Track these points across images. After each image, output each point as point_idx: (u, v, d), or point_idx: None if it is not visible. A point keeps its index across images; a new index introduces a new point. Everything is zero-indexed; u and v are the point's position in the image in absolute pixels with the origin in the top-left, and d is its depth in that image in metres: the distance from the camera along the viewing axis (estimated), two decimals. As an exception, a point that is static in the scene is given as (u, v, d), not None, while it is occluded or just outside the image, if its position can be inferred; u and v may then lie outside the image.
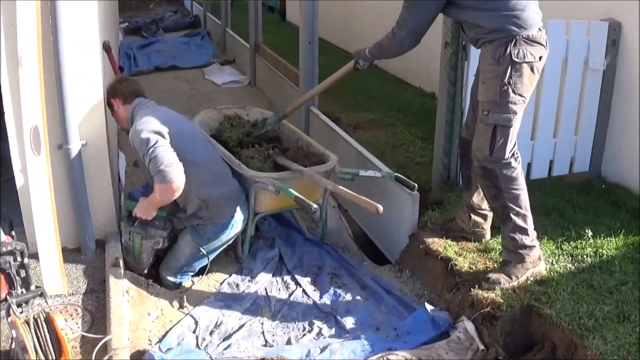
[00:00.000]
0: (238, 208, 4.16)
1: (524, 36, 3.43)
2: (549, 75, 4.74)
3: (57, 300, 3.71)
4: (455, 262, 3.87)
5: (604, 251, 3.96)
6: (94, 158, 4.07)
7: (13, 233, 3.65)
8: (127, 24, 14.51)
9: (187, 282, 4.24)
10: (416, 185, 4.16)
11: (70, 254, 4.11)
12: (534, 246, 3.71)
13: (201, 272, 4.30)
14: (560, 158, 5.08)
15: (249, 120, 5.04)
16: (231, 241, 4.25)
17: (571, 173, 5.17)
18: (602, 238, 4.11)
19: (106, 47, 4.55)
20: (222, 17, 11.50)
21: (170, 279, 4.21)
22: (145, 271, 4.17)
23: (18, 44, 3.52)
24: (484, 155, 3.59)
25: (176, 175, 3.70)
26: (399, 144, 6.11)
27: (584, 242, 4.07)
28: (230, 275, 4.26)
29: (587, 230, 4.14)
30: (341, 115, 6.86)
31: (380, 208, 3.63)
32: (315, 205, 3.72)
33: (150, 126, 3.83)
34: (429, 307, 3.67)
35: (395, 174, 4.18)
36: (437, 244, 4.08)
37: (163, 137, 3.80)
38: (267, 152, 4.48)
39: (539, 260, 3.74)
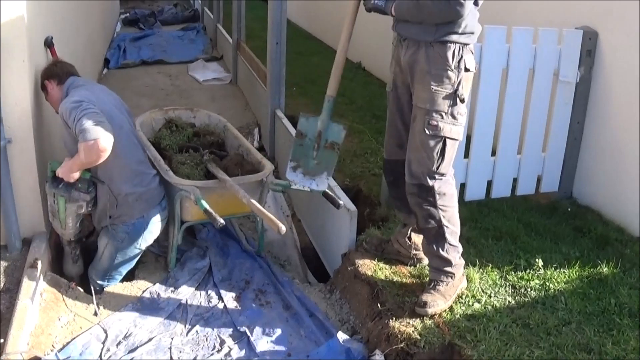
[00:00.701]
0: (150, 210, 3.97)
1: (473, 43, 3.25)
2: (514, 86, 4.45)
3: (-34, 296, 3.55)
4: (382, 288, 3.57)
5: (551, 284, 3.64)
6: (20, 156, 3.87)
7: None
8: (127, 14, 14.36)
9: (113, 286, 4.04)
10: (342, 203, 3.89)
11: (-5, 251, 3.94)
12: (462, 262, 3.52)
13: (129, 277, 4.12)
14: (526, 176, 4.76)
15: (194, 124, 4.81)
16: (149, 244, 4.08)
17: (538, 193, 4.85)
18: (554, 269, 3.79)
19: (48, 43, 4.34)
20: (214, 11, 11.27)
21: (98, 281, 4.04)
22: (72, 238, 4.01)
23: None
24: (427, 171, 3.31)
25: (102, 133, 3.50)
26: (362, 152, 5.84)
27: (531, 273, 3.75)
28: (154, 284, 4.02)
29: (537, 260, 3.82)
30: (310, 119, 6.61)
31: (283, 229, 3.42)
32: (221, 221, 3.48)
33: (82, 96, 3.71)
34: (342, 336, 3.40)
35: (324, 189, 3.93)
36: (367, 266, 3.78)
37: (95, 106, 3.67)
38: (200, 158, 4.24)
39: (463, 276, 3.56)
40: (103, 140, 3.50)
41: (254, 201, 3.67)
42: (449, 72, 3.19)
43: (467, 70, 3.23)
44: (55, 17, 4.78)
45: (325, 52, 10.62)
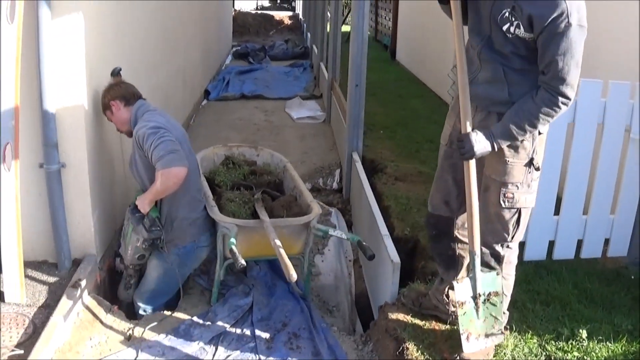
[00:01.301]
0: (201, 236, 4.11)
1: None
2: (580, 143, 4.26)
3: (12, 307, 3.73)
4: (407, 347, 3.48)
5: (590, 359, 3.42)
6: (74, 180, 4.00)
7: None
8: (238, 48, 14.75)
9: (153, 314, 4.14)
10: (374, 254, 3.83)
11: (48, 268, 4.12)
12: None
13: (172, 307, 4.20)
14: (592, 239, 4.54)
15: (255, 162, 4.87)
16: (196, 268, 4.27)
17: (605, 257, 4.61)
18: (599, 341, 3.56)
19: (115, 74, 4.49)
20: (319, 49, 11.42)
21: (141, 304, 4.16)
22: (129, 264, 4.15)
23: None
24: (501, 241, 3.24)
25: (180, 162, 3.66)
26: (433, 203, 5.76)
27: (573, 344, 3.54)
28: (192, 317, 4.07)
29: (581, 330, 3.60)
30: (390, 165, 6.57)
31: (293, 276, 3.42)
32: (242, 262, 3.53)
33: (160, 123, 3.84)
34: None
35: (358, 239, 3.88)
36: (398, 321, 3.70)
37: (171, 134, 3.81)
38: (249, 197, 4.29)
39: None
40: (180, 169, 3.65)
41: (277, 242, 3.68)
42: (524, 140, 3.08)
43: (539, 133, 3.11)
44: (125, 48, 4.91)
45: (426, 95, 10.58)
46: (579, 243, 4.55)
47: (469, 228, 3.19)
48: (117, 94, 4.06)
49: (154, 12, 5.94)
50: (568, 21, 2.71)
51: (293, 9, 29.33)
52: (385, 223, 4.48)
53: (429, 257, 4.55)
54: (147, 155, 3.76)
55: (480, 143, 3.02)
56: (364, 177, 5.44)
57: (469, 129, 3.05)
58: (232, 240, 3.73)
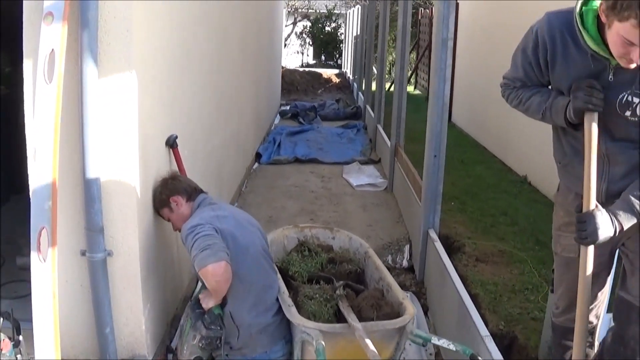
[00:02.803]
0: (274, 345, 3.52)
1: None
2: None
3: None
4: None
5: None
6: (122, 270, 3.41)
7: (20, 338, 3.06)
8: (287, 107, 14.28)
9: None
10: None
11: (91, 367, 3.52)
12: None
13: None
14: None
15: (331, 247, 4.23)
16: None
17: None
18: None
19: (171, 143, 3.92)
20: (375, 110, 10.83)
21: None
22: None
23: (33, 134, 2.98)
24: None
25: (212, 256, 3.16)
26: (521, 288, 5.04)
27: None
28: None
29: None
30: (467, 242, 5.90)
31: None
32: None
33: (202, 218, 3.40)
34: None
35: (471, 352, 3.20)
36: None
37: (211, 226, 3.32)
38: (331, 293, 3.62)
39: None
40: (214, 265, 3.15)
41: (374, 351, 3.03)
42: None
43: None
44: (183, 113, 4.39)
45: (489, 161, 9.96)
46: None
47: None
48: (178, 188, 3.63)
49: (209, 74, 5.40)
50: None
51: (339, 66, 29.06)
52: (475, 316, 3.83)
53: (530, 357, 3.90)
54: None
55: (606, 225, 2.53)
56: (447, 260, 4.76)
57: (592, 205, 2.56)
58: (321, 351, 3.07)
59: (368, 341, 3.10)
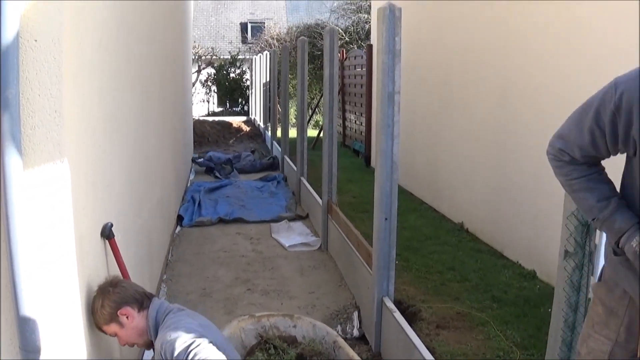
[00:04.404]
0: None
1: None
2: None
3: None
4: None
5: None
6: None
7: None
8: (200, 159, 13.74)
9: None
10: None
11: None
12: None
13: None
14: None
15: (294, 338, 3.75)
16: None
17: None
18: None
19: (107, 234, 3.38)
20: (297, 162, 10.41)
21: None
22: None
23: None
24: None
25: None
26: (492, 355, 4.69)
27: None
28: None
29: None
30: (422, 307, 5.52)
31: None
32: None
33: (189, 329, 2.86)
34: None
35: None
36: None
37: (207, 340, 2.79)
38: (309, 402, 3.15)
39: None
40: None
41: None
42: None
43: None
44: (114, 193, 3.86)
45: (421, 209, 9.71)
46: None
47: None
48: (125, 297, 3.03)
49: (135, 142, 4.85)
50: None
51: (247, 112, 28.64)
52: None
53: None
54: None
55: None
56: (412, 334, 4.36)
57: None
58: None
59: None
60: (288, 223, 8.85)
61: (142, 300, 3.08)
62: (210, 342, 2.79)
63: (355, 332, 5.56)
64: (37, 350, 2.64)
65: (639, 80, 2.11)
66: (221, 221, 9.07)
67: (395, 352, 4.65)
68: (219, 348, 2.79)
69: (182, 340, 2.77)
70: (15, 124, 2.49)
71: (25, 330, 2.59)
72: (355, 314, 5.75)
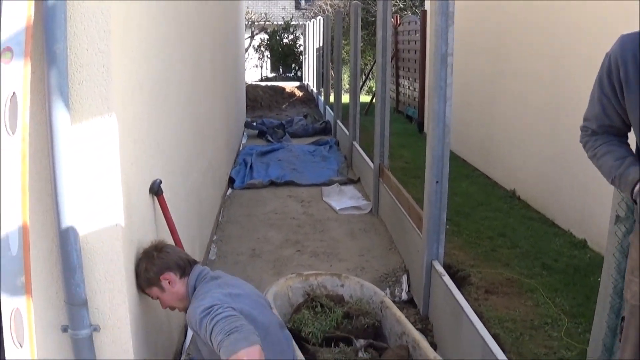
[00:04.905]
0: None
1: None
2: None
3: None
4: None
5: None
6: (112, 346, 2.88)
7: None
8: (253, 123, 13.76)
9: None
10: None
11: None
12: None
13: None
14: None
15: (342, 296, 3.74)
16: None
17: None
18: None
19: (155, 190, 3.40)
20: (349, 126, 10.36)
21: None
22: None
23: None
24: None
25: (244, 339, 2.58)
26: (540, 322, 4.62)
27: None
28: None
29: None
30: (472, 271, 5.46)
31: None
32: None
33: (214, 298, 2.84)
34: None
35: None
36: None
37: (229, 306, 2.77)
38: (353, 357, 3.13)
39: None
40: (249, 350, 2.57)
41: None
42: None
43: None
44: (164, 152, 3.89)
45: (473, 175, 9.58)
46: None
47: None
48: (168, 263, 3.04)
49: (187, 103, 4.89)
50: None
51: (299, 78, 28.61)
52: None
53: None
54: (210, 345, 2.71)
55: None
56: (461, 299, 4.29)
57: None
58: None
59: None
60: (339, 187, 8.83)
61: (184, 267, 3.09)
62: (234, 308, 2.80)
63: (404, 296, 5.53)
64: (82, 303, 2.69)
65: (619, 42, 2.35)
66: (272, 184, 9.11)
67: (442, 316, 4.62)
68: (243, 314, 2.80)
69: (203, 308, 2.78)
70: (62, 78, 2.52)
71: (71, 284, 2.64)
72: (405, 278, 5.73)
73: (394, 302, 5.34)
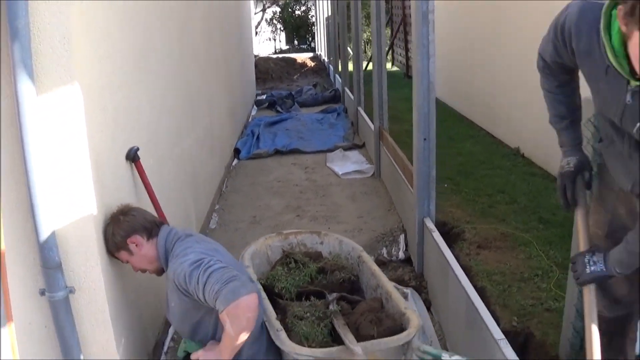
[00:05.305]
0: None
1: None
2: None
3: None
4: None
5: None
6: (88, 307, 2.99)
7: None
8: (263, 96, 13.83)
9: None
10: None
11: None
12: None
13: None
14: None
15: (320, 253, 3.82)
16: None
17: None
18: None
19: (132, 156, 3.48)
20: (354, 92, 10.40)
21: None
22: None
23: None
24: None
25: (243, 286, 2.70)
26: (531, 275, 4.66)
27: None
28: None
29: None
30: (466, 228, 5.51)
31: None
32: None
33: (199, 251, 2.94)
34: None
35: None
36: None
37: (215, 258, 2.86)
38: (324, 309, 3.21)
39: None
40: (249, 296, 2.69)
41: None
42: None
43: None
44: (144, 120, 3.97)
45: (477, 135, 9.57)
46: None
47: None
48: (134, 226, 3.07)
49: (173, 72, 4.96)
50: None
51: (313, 49, 28.58)
52: (484, 312, 3.46)
53: (550, 356, 3.54)
54: (198, 298, 2.80)
55: (596, 267, 2.47)
56: (447, 252, 4.37)
57: (583, 247, 2.58)
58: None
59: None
60: (343, 152, 8.90)
61: (151, 229, 3.12)
62: (218, 259, 2.88)
63: (401, 255, 5.60)
64: (57, 266, 2.80)
65: (578, 7, 2.28)
66: (278, 153, 9.19)
67: (434, 272, 4.69)
68: (226, 264, 2.88)
69: (191, 261, 2.85)
70: (25, 52, 2.61)
71: (44, 247, 2.75)
72: (402, 237, 5.80)
73: (390, 261, 5.46)
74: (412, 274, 5.17)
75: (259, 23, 30.95)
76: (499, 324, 3.89)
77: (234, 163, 8.69)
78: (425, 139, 4.89)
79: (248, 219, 6.32)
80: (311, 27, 30.56)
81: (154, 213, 3.63)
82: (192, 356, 2.97)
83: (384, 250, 5.63)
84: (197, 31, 6.40)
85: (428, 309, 4.66)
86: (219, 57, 8.20)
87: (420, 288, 4.93)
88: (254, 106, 13.47)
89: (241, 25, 12.60)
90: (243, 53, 12.55)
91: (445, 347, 4.19)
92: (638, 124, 2.11)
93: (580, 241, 2.60)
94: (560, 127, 2.76)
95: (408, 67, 17.13)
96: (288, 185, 7.58)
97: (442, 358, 2.91)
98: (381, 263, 5.43)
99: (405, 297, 4.55)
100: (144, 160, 3.63)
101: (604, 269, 2.42)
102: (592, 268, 2.45)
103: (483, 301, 3.85)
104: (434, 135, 4.88)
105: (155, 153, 4.08)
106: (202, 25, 6.78)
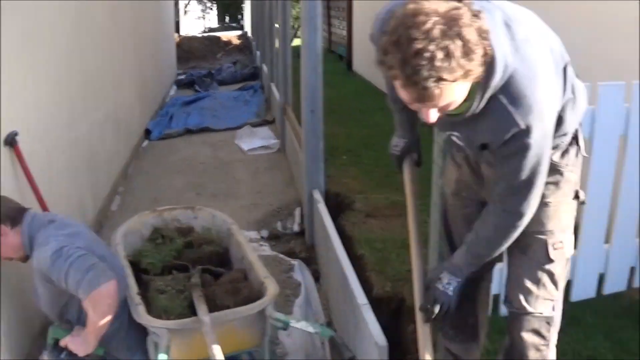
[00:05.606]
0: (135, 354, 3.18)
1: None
2: (600, 159, 3.41)
3: None
4: None
5: None
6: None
7: None
8: (183, 76, 13.73)
9: None
10: (354, 356, 2.86)
11: None
12: None
13: None
14: (615, 270, 3.73)
15: (192, 228, 3.84)
16: None
17: (631, 288, 3.81)
18: None
19: (9, 141, 3.46)
20: (269, 68, 10.40)
21: None
22: None
23: None
24: (550, 300, 2.52)
25: (102, 275, 2.76)
26: (407, 241, 4.77)
27: None
28: None
29: None
30: (358, 198, 5.58)
31: None
32: None
33: (59, 240, 2.90)
34: None
35: (331, 334, 2.91)
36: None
37: (75, 246, 2.87)
38: (183, 282, 3.24)
39: None
40: (107, 284, 2.75)
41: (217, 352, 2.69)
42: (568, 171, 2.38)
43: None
44: (28, 104, 3.89)
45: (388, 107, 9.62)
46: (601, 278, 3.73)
47: None
48: None
49: (67, 55, 4.88)
50: None
51: (242, 27, 28.40)
52: (360, 279, 3.55)
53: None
54: (64, 286, 2.82)
55: (453, 284, 2.40)
56: (328, 221, 4.46)
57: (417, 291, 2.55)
58: (163, 356, 2.72)
59: (210, 334, 2.76)
60: (251, 128, 8.91)
61: (14, 217, 3.04)
62: (80, 247, 2.88)
63: (296, 228, 5.66)
64: None
65: (375, 23, 2.27)
66: (189, 132, 9.14)
67: (322, 243, 4.76)
68: (86, 249, 2.89)
69: (52, 250, 2.83)
70: None
71: None
72: (298, 211, 5.85)
73: (285, 234, 5.53)
74: (303, 245, 5.25)
75: (189, 2, 30.66)
76: (371, 290, 4.02)
77: (143, 144, 8.61)
78: (312, 111, 4.95)
79: (149, 200, 6.28)
80: (242, 5, 30.32)
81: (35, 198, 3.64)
82: (61, 342, 2.97)
83: (279, 224, 5.68)
84: (99, 12, 6.28)
85: (317, 280, 4.75)
86: (127, 39, 8.04)
87: (311, 259, 5.01)
88: (174, 86, 13.35)
89: (161, 5, 12.44)
90: (162, 33, 12.40)
91: (328, 316, 4.28)
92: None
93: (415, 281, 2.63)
94: (394, 108, 2.78)
95: (330, 41, 17.18)
96: (193, 163, 7.57)
97: (290, 324, 2.99)
98: (275, 236, 5.50)
99: (291, 268, 4.66)
100: (28, 146, 3.61)
101: (460, 279, 2.40)
102: (452, 287, 2.40)
103: (358, 267, 3.96)
104: (321, 108, 4.94)
105: (44, 137, 4.04)
106: (107, 6, 6.64)
